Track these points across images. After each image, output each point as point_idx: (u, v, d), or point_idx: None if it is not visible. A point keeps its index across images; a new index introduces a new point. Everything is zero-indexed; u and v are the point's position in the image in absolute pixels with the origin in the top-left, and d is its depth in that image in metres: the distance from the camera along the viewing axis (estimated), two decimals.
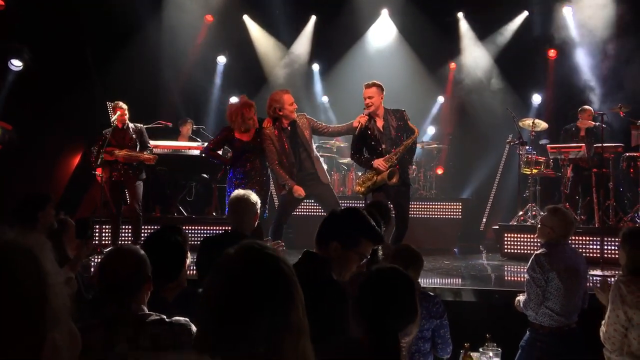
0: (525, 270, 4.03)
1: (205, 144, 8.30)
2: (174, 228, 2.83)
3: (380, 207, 4.24)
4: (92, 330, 2.16)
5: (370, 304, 1.95)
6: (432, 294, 3.51)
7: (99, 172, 6.90)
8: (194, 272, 3.96)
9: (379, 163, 5.72)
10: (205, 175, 8.93)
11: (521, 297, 4.00)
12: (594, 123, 8.06)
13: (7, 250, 1.02)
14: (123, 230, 7.64)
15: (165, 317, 2.23)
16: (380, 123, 5.84)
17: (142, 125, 7.26)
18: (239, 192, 4.02)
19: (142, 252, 2.33)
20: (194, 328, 2.21)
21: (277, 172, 5.90)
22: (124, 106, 7.01)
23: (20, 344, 0.97)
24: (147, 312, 2.25)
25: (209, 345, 1.25)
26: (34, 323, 0.99)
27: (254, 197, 3.89)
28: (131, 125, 7.08)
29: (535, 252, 3.97)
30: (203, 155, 6.39)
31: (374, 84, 5.83)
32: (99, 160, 6.73)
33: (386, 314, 1.94)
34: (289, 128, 5.88)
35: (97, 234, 7.25)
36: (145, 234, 7.61)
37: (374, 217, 2.72)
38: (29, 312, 0.99)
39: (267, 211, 6.06)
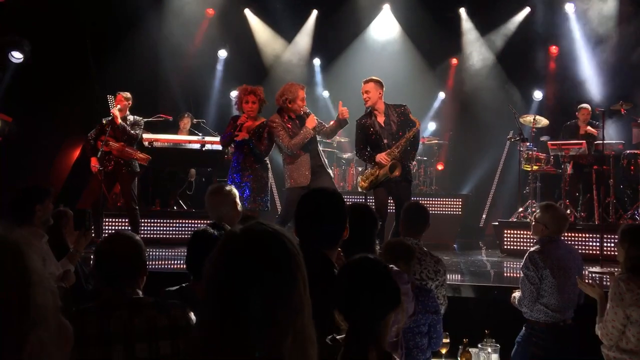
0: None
1: (206, 138, 8.35)
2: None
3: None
4: (87, 314, 2.17)
5: (342, 297, 1.92)
6: (428, 288, 3.51)
7: (93, 162, 6.82)
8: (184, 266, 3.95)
9: (381, 157, 5.77)
10: (208, 169, 8.93)
11: (517, 294, 4.02)
12: (595, 131, 7.97)
13: None
14: (121, 224, 7.65)
15: (160, 300, 2.25)
16: (381, 118, 5.90)
17: (140, 117, 7.19)
18: (211, 186, 4.04)
19: (138, 238, 2.35)
20: (189, 312, 2.23)
21: (294, 143, 5.79)
22: (126, 96, 6.95)
23: (1, 343, 0.95)
24: (142, 295, 2.27)
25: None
26: (15, 321, 0.97)
27: (227, 187, 3.90)
28: (130, 117, 7.03)
29: (529, 249, 3.98)
30: (225, 145, 6.38)
31: (371, 80, 5.90)
32: (99, 152, 6.72)
33: (356, 304, 1.89)
34: (297, 121, 5.92)
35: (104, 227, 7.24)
36: (144, 228, 7.62)
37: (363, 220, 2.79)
38: (10, 310, 0.97)
39: (268, 205, 6.04)
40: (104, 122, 7.00)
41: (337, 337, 1.95)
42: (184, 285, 2.80)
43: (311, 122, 5.84)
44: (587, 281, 3.74)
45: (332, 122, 6.18)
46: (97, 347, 2.10)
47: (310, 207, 2.46)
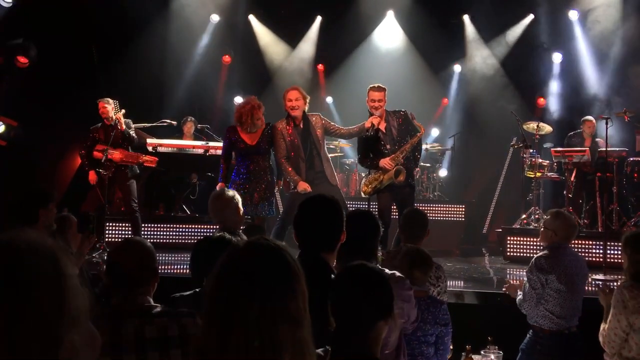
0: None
1: (210, 143, 8.37)
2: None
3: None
4: (97, 321, 2.17)
5: (334, 302, 1.93)
6: (441, 300, 3.50)
7: (91, 175, 6.88)
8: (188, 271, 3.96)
9: (385, 162, 5.79)
10: (210, 174, 8.95)
11: (520, 294, 4.04)
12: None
13: (27, 252, 1.03)
14: (124, 228, 7.67)
15: (171, 309, 2.25)
16: (382, 125, 5.94)
17: (129, 120, 7.17)
18: (214, 192, 4.10)
19: (150, 244, 2.36)
20: (199, 321, 2.23)
21: (283, 166, 5.92)
22: (108, 102, 6.95)
23: (37, 345, 0.98)
24: (153, 303, 2.27)
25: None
26: (51, 324, 1.00)
27: (230, 192, 3.96)
28: (123, 120, 7.03)
29: (537, 254, 3.99)
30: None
31: (384, 88, 5.92)
32: (104, 158, 6.74)
33: (345, 310, 1.89)
34: (301, 125, 5.94)
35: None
36: (148, 232, 7.64)
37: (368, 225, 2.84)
38: (46, 313, 0.99)
39: (273, 210, 6.06)
40: (91, 129, 7.04)
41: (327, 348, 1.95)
42: (197, 290, 2.81)
43: (302, 185, 5.79)
44: (604, 287, 3.70)
45: (354, 127, 6.15)
46: (108, 356, 2.08)
47: (307, 213, 2.59)
